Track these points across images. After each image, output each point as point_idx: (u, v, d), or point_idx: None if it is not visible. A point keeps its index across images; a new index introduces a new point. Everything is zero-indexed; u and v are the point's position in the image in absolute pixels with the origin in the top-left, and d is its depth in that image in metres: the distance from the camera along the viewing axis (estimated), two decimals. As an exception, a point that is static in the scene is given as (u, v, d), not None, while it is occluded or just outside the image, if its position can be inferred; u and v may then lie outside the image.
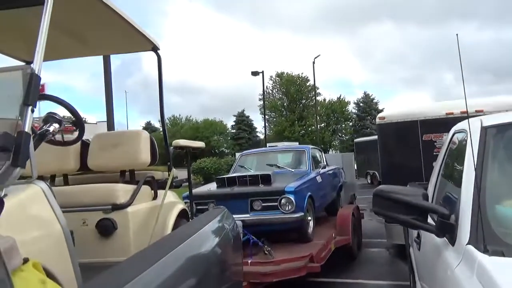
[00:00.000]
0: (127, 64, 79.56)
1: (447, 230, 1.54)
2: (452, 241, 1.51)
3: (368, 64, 74.93)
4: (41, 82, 1.51)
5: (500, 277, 1.09)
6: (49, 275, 1.31)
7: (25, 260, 1.10)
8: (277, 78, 46.34)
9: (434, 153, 5.43)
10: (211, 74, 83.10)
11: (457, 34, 1.37)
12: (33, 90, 1.39)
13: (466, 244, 1.36)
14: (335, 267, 5.44)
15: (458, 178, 1.74)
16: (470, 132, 1.53)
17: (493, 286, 1.07)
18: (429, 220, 1.71)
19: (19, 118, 1.37)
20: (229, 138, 49.39)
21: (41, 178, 1.66)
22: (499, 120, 1.80)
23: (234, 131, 48.68)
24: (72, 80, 77.76)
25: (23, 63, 2.58)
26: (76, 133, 2.26)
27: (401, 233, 5.45)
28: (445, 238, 1.61)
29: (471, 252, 1.30)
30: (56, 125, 1.91)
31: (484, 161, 1.55)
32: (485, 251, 1.25)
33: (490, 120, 1.78)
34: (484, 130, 1.70)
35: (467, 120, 1.94)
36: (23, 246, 1.11)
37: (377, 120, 6.40)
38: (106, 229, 2.26)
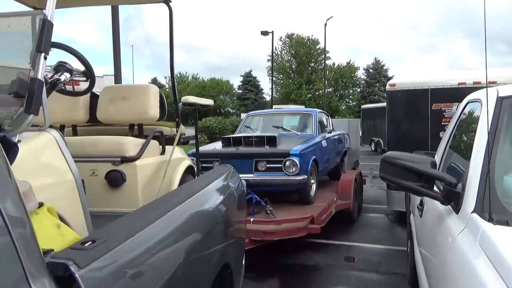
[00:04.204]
0: (132, 19, 77.93)
1: (453, 198, 1.56)
2: (457, 209, 1.53)
3: (380, 29, 72.95)
4: None
5: (503, 245, 1.10)
6: (62, 220, 1.35)
7: (40, 204, 1.13)
8: (286, 39, 45.38)
9: (442, 123, 5.41)
10: (219, 32, 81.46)
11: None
12: (46, 37, 1.36)
13: (471, 213, 1.38)
14: (335, 230, 5.56)
15: (468, 148, 1.74)
16: (486, 101, 1.51)
17: (496, 253, 1.09)
18: (434, 188, 1.72)
19: (32, 65, 1.35)
20: (235, 98, 49.07)
21: (50, 127, 1.67)
22: (516, 91, 1.76)
23: (241, 91, 48.28)
24: (76, 32, 76.49)
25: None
26: (85, 85, 2.24)
27: (402, 200, 5.53)
28: (449, 206, 1.63)
29: (476, 220, 1.32)
30: (67, 74, 1.90)
31: (497, 131, 1.54)
32: (490, 219, 1.27)
33: (506, 91, 1.75)
34: (500, 100, 1.68)
35: (482, 90, 1.91)
36: (36, 192, 1.14)
37: (388, 87, 6.32)
38: (115, 180, 2.30)
